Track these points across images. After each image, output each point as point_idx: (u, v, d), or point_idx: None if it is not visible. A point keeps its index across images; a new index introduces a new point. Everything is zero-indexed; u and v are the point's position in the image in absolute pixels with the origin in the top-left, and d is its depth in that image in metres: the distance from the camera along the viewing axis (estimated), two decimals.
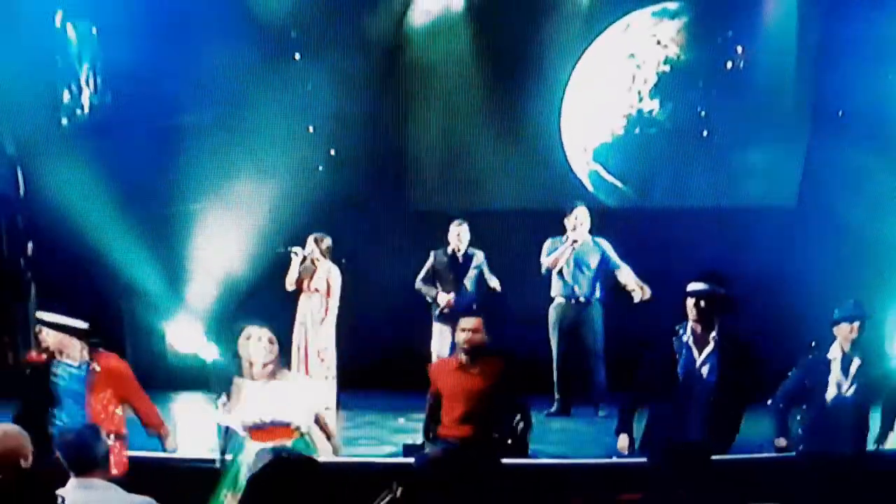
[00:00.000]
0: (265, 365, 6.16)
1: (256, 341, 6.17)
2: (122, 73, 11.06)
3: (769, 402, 7.07)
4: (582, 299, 9.62)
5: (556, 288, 9.70)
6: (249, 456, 6.08)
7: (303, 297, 10.04)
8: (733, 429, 6.69)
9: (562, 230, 9.71)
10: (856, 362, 6.79)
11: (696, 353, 6.56)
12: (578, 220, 9.61)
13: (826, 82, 10.77)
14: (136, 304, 11.18)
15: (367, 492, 6.33)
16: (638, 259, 9.71)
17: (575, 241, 9.55)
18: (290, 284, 10.02)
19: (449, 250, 9.89)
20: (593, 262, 9.61)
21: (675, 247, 10.18)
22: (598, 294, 9.66)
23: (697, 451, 6.39)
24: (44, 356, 6.47)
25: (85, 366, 6.42)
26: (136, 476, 5.96)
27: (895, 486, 6.83)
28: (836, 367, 6.82)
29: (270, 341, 6.20)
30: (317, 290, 9.97)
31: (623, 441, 6.73)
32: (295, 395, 6.21)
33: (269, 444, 5.99)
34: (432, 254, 9.97)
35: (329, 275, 9.97)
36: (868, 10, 10.39)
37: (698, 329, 6.59)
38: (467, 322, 6.99)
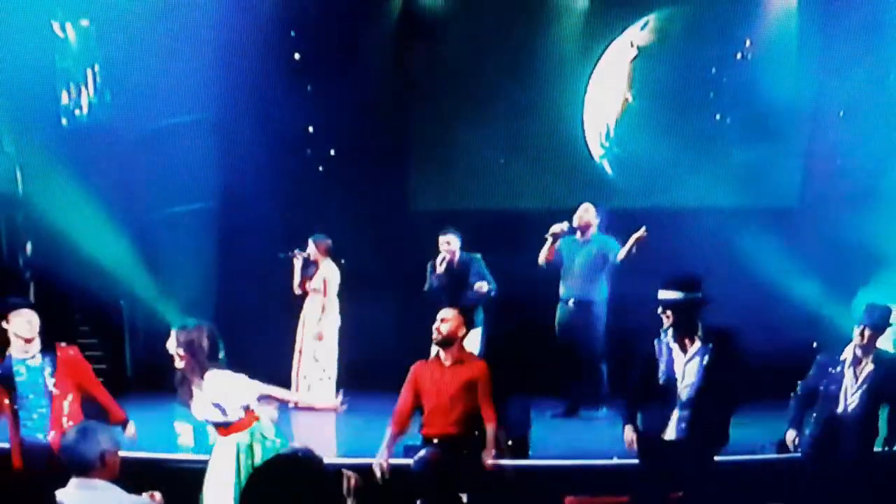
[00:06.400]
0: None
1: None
2: (121, 73, 11.06)
3: (792, 395, 7.06)
4: (583, 300, 9.61)
5: (561, 289, 9.70)
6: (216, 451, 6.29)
7: (307, 299, 10.08)
8: (722, 430, 6.59)
9: (573, 229, 9.69)
10: (868, 367, 6.75)
11: (677, 354, 6.50)
12: (577, 214, 9.61)
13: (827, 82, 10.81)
14: (135, 304, 11.17)
15: (368, 492, 6.34)
16: (645, 257, 9.73)
17: (553, 234, 9.51)
18: (296, 288, 10.05)
19: (441, 259, 9.76)
20: (597, 262, 9.60)
21: (682, 245, 10.20)
22: (600, 296, 9.65)
23: (679, 451, 6.42)
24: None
25: (47, 357, 6.42)
26: (136, 476, 5.95)
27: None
28: (846, 369, 6.79)
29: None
30: (315, 291, 9.99)
31: (628, 433, 6.63)
32: (220, 391, 6.26)
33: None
34: (430, 265, 9.83)
35: (326, 275, 9.98)
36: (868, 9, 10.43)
37: (678, 334, 6.52)
38: (442, 312, 7.15)
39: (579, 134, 11.69)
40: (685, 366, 6.44)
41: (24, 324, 6.41)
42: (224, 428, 6.27)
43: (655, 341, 6.52)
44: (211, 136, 11.33)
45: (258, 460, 6.07)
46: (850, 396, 6.75)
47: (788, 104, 10.99)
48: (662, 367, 6.45)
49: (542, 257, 9.61)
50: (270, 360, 10.27)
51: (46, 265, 10.77)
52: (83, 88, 11.29)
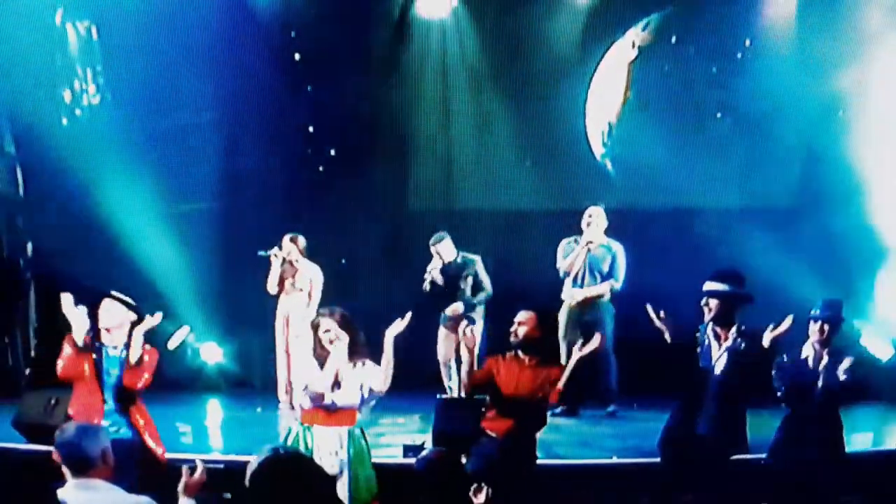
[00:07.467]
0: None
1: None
2: (122, 73, 11.05)
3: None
4: (592, 302, 9.62)
5: (567, 290, 9.70)
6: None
7: (283, 297, 10.02)
8: (741, 427, 6.60)
9: (576, 230, 9.70)
10: (825, 360, 6.78)
11: (715, 348, 6.55)
12: (592, 217, 9.62)
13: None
14: (135, 304, 11.15)
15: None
16: (648, 258, 9.73)
17: (590, 243, 9.55)
18: (272, 287, 10.01)
19: (434, 267, 9.78)
20: (605, 265, 9.62)
21: (682, 244, 10.20)
22: (608, 296, 9.66)
23: (706, 449, 6.43)
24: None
25: (127, 351, 6.52)
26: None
27: (870, 485, 6.88)
28: (809, 366, 6.81)
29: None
30: (300, 290, 9.95)
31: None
32: (369, 376, 6.42)
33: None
34: (428, 269, 9.84)
35: (312, 275, 9.95)
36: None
37: (717, 327, 6.57)
38: (519, 315, 7.09)
39: (581, 133, 11.69)
40: (717, 360, 6.50)
41: (103, 312, 6.58)
42: (331, 414, 6.21)
43: (698, 333, 6.56)
44: (211, 136, 11.34)
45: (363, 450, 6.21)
46: (813, 393, 6.75)
47: (788, 104, 10.99)
48: (700, 361, 6.50)
49: (567, 266, 9.63)
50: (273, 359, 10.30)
51: (47, 265, 10.77)
52: (84, 88, 11.30)
